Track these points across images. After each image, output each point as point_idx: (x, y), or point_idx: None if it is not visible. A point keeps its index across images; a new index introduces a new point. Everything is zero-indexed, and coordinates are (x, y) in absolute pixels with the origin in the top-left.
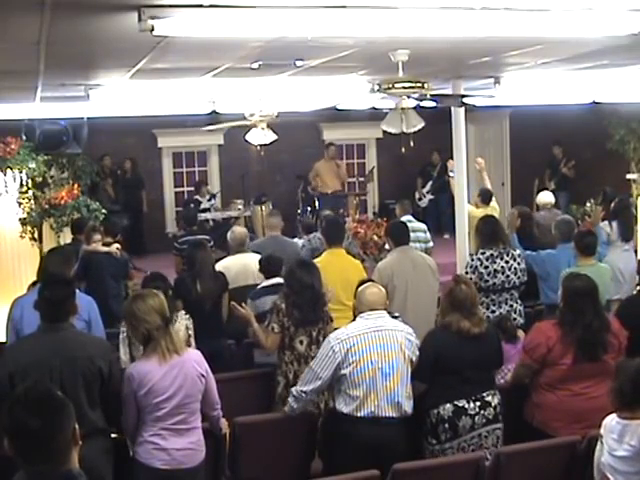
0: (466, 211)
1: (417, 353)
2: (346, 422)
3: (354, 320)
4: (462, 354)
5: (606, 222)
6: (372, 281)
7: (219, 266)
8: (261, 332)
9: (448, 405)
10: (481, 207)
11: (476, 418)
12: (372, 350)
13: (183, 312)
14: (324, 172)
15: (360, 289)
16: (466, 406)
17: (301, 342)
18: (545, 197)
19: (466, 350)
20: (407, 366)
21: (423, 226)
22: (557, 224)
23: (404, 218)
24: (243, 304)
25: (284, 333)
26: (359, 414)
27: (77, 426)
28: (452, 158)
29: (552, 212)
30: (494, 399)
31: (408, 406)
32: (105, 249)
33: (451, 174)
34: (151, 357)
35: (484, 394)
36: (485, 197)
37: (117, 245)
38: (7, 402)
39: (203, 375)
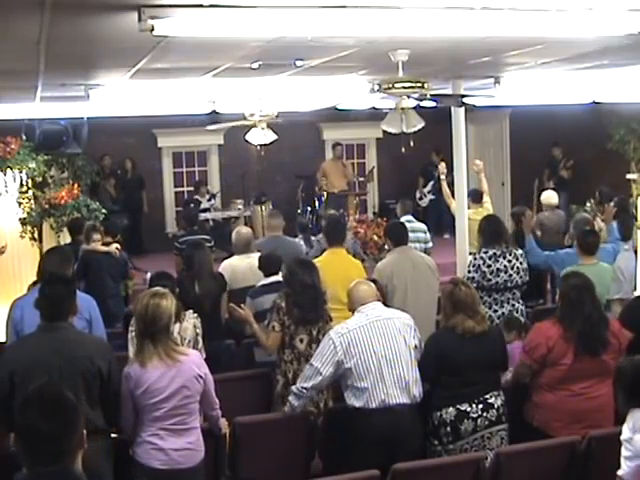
0: (466, 211)
1: (419, 337)
2: (359, 416)
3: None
4: (465, 355)
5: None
6: (373, 281)
7: (225, 264)
8: (261, 332)
9: (451, 409)
10: (473, 207)
11: (478, 421)
12: (374, 340)
13: (191, 311)
14: (331, 172)
15: (349, 289)
16: (468, 409)
17: (301, 340)
18: (550, 197)
19: (469, 351)
20: (410, 351)
21: (423, 226)
22: (576, 223)
23: (404, 218)
24: (242, 305)
25: (284, 332)
26: (372, 406)
27: (85, 430)
28: (452, 158)
29: (555, 212)
30: (497, 400)
31: (417, 390)
32: (104, 249)
33: (442, 177)
34: (150, 357)
35: (487, 396)
36: (475, 197)
37: (116, 245)
38: (18, 402)
39: (201, 376)
